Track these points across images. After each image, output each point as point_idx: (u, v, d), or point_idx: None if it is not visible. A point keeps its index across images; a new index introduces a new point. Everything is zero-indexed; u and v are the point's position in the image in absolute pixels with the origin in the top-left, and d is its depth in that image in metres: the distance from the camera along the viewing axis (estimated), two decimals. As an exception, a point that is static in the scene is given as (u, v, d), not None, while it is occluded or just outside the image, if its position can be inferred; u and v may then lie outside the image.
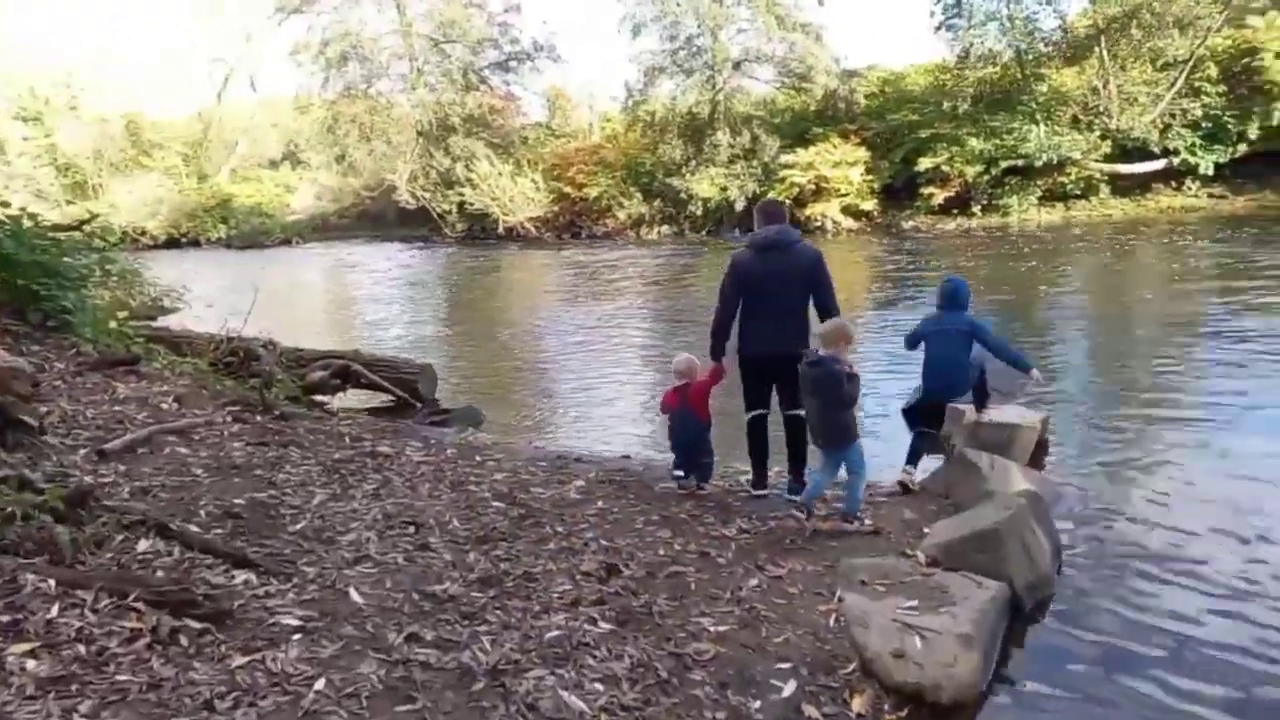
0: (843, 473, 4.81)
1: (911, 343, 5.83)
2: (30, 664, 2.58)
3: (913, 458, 5.41)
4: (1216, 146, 23.61)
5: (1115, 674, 3.46)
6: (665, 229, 30.67)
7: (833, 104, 29.24)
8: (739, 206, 28.44)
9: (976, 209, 25.39)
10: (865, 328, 11.34)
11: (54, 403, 5.65)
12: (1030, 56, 26.58)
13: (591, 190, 31.64)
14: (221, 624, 2.98)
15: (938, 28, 27.98)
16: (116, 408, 5.93)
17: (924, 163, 25.43)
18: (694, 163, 30.10)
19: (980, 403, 5.92)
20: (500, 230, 32.95)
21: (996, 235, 22.42)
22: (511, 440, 7.15)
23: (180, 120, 46.64)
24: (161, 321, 10.37)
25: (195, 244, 38.55)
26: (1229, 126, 23.44)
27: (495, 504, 4.91)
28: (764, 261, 4.93)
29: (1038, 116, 25.09)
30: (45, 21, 69.79)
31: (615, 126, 36.79)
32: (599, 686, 2.96)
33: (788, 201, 26.44)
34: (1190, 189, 24.07)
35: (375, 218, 39.42)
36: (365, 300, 20.11)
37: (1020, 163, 24.63)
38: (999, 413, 5.92)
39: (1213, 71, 23.93)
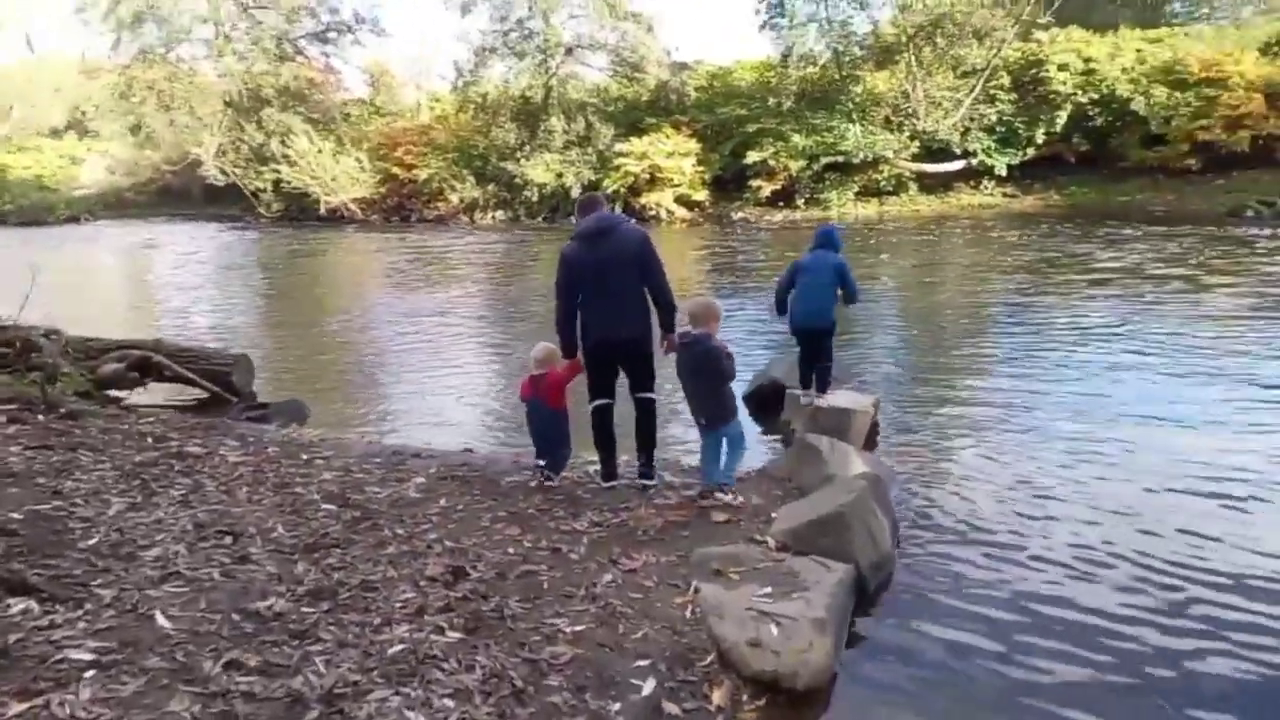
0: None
1: (785, 288, 6.37)
2: None
3: (806, 383, 6.38)
4: (1009, 149, 25.95)
5: (956, 647, 3.61)
6: (500, 214, 30.10)
7: (664, 95, 29.69)
8: (575, 193, 28.31)
9: (800, 202, 26.62)
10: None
11: None
12: (846, 59, 28.09)
13: (421, 172, 30.55)
14: (-8, 666, 2.52)
15: (762, 26, 29.15)
16: None
17: (752, 156, 26.35)
18: (528, 147, 29.71)
19: (824, 388, 6.17)
20: (322, 211, 31.20)
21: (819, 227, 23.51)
22: (341, 436, 6.65)
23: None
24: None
25: (-40, 220, 34.00)
26: (1020, 131, 25.82)
27: (326, 507, 4.53)
28: (592, 250, 4.82)
29: (854, 116, 26.60)
30: None
31: (445, 107, 35.70)
32: (449, 703, 2.74)
33: (623, 190, 26.85)
34: (987, 188, 26.33)
35: (179, 194, 36.32)
36: (170, 285, 18.35)
37: (839, 159, 26.00)
38: (835, 398, 6.13)
39: (1005, 80, 26.26)
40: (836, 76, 27.86)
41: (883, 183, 26.65)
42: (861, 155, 25.70)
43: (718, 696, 3.10)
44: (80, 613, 2.97)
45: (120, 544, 3.64)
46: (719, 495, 4.75)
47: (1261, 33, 26.27)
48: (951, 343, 9.88)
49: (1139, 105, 24.47)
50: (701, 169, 27.44)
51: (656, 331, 4.96)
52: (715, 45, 67.25)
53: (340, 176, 31.04)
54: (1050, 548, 4.45)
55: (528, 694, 2.88)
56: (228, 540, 3.85)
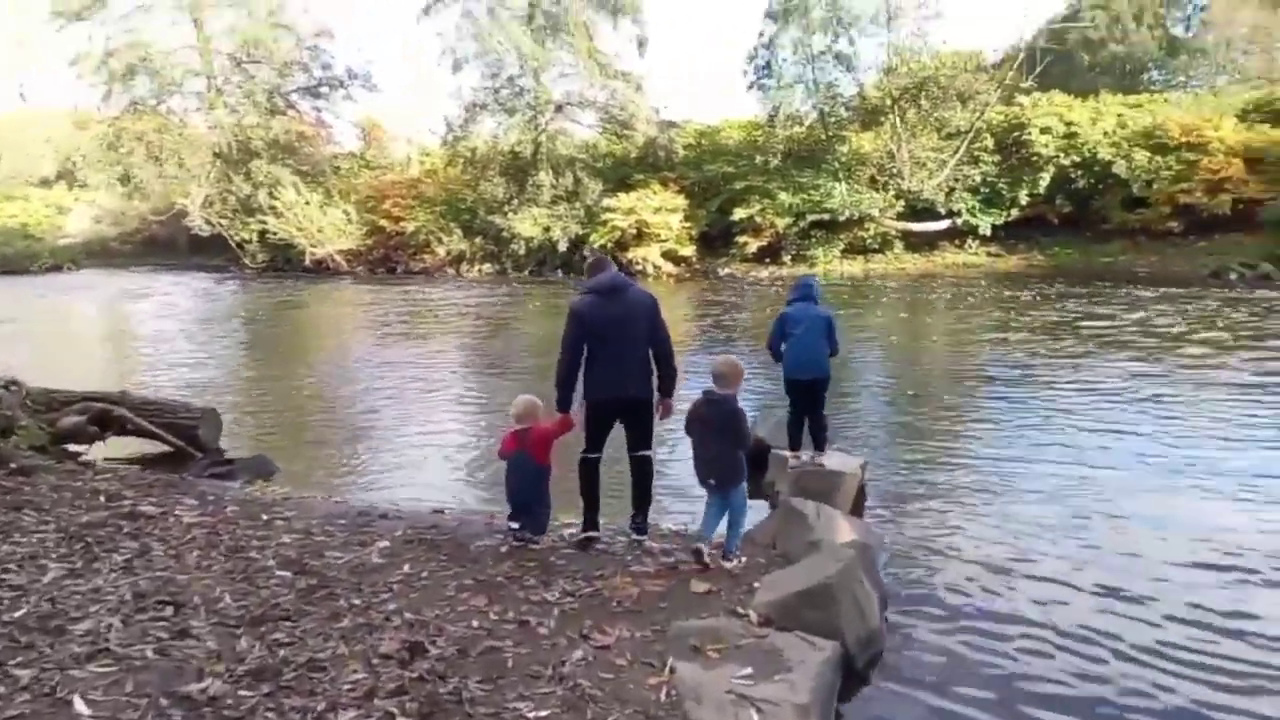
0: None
1: (777, 339, 6.14)
2: None
3: (796, 444, 6.14)
4: (993, 209, 26.26)
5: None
6: (486, 267, 30.08)
7: (652, 152, 30.00)
8: (562, 247, 28.44)
9: (787, 258, 26.75)
10: (693, 369, 11.36)
11: None
12: (832, 119, 28.55)
13: (409, 225, 30.59)
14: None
15: (750, 86, 29.63)
16: None
17: (739, 213, 26.53)
18: (516, 201, 29.84)
19: (823, 444, 5.97)
20: (307, 262, 31.09)
21: (798, 279, 23.56)
22: (307, 494, 6.38)
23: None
24: None
25: (-57, 268, 33.68)
26: (1003, 192, 26.18)
27: (280, 573, 4.26)
28: (607, 305, 4.83)
29: (840, 175, 26.91)
30: None
31: (435, 161, 35.93)
32: (394, 803, 2.47)
33: (610, 244, 26.94)
34: (971, 247, 26.58)
35: (165, 245, 36.20)
36: (147, 337, 18.05)
37: (825, 217, 26.21)
38: (821, 458, 5.92)
39: (989, 142, 26.69)
40: (823, 136, 28.27)
41: (868, 240, 26.86)
42: (847, 213, 25.93)
43: (693, 793, 2.83)
44: (-10, 697, 2.69)
45: (50, 616, 3.37)
46: (724, 563, 4.63)
47: (1239, 100, 26.92)
48: (939, 404, 9.71)
49: (1120, 168, 24.88)
50: (689, 225, 27.59)
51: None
52: (703, 104, 68.60)
53: (327, 228, 31.03)
54: (1044, 623, 4.23)
55: (483, 792, 2.61)
56: (168, 611, 3.58)
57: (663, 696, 3.28)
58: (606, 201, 28.08)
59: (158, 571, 4.05)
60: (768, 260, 26.99)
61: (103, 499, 5.41)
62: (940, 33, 36.24)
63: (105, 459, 7.35)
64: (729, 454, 4.60)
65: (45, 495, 5.21)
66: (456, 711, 3.01)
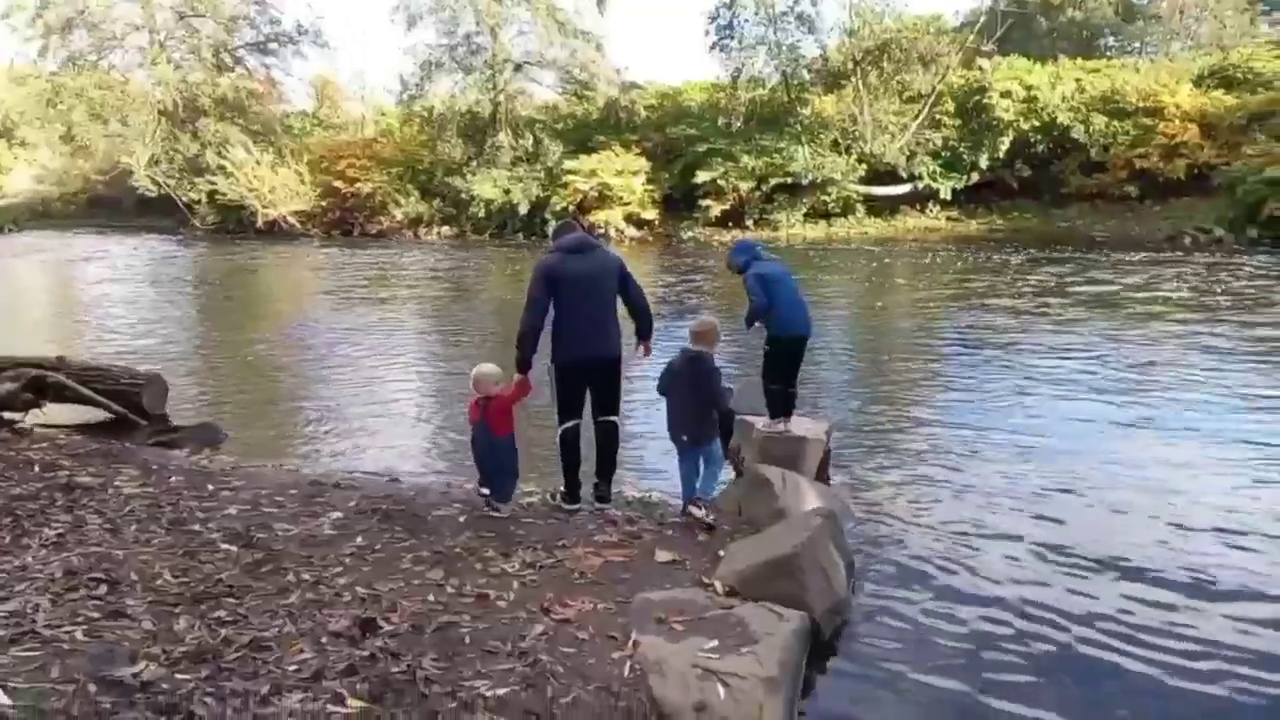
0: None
1: (764, 297, 5.61)
2: None
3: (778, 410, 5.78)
4: (953, 174, 26.34)
5: (916, 701, 3.31)
6: (446, 229, 29.53)
7: (614, 114, 29.55)
8: (522, 210, 27.97)
9: (750, 222, 26.64)
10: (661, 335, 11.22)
11: None
12: (795, 82, 28.28)
13: (365, 186, 29.82)
14: None
15: (712, 47, 29.21)
16: None
17: (701, 176, 26.28)
18: (475, 163, 29.26)
19: (788, 410, 5.80)
20: (259, 224, 30.21)
21: (768, 249, 23.50)
22: (257, 464, 6.14)
23: None
24: None
25: None
26: (964, 156, 26.25)
27: (225, 547, 4.06)
28: (575, 263, 4.76)
29: (802, 138, 26.73)
30: None
31: (391, 121, 35.04)
32: (342, 792, 2.33)
33: (572, 207, 26.55)
34: (932, 211, 26.67)
35: (110, 205, 34.97)
36: (93, 300, 17.40)
37: (788, 181, 26.07)
38: (788, 424, 5.82)
39: (950, 106, 26.68)
40: (785, 99, 28.02)
41: (831, 205, 26.82)
42: (810, 177, 25.81)
43: (658, 771, 2.73)
44: (-102, 688, 2.49)
45: (-31, 597, 3.14)
46: (693, 510, 4.64)
47: (1195, 65, 27.18)
48: (903, 369, 9.71)
49: (1079, 133, 25.07)
50: (651, 188, 27.29)
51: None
52: (665, 66, 67.69)
53: (279, 189, 30.14)
54: (1009, 593, 4.19)
55: (437, 777, 2.48)
56: (102, 590, 3.38)
57: (626, 671, 3.16)
58: (568, 164, 27.64)
59: (92, 547, 3.83)
60: (731, 224, 26.83)
61: (36, 469, 5.15)
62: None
63: (42, 425, 7.04)
64: (705, 411, 4.63)
65: (-27, 467, 4.93)
66: (410, 692, 2.87)
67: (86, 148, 34.95)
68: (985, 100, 25.96)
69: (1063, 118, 25.35)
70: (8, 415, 6.86)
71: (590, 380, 4.86)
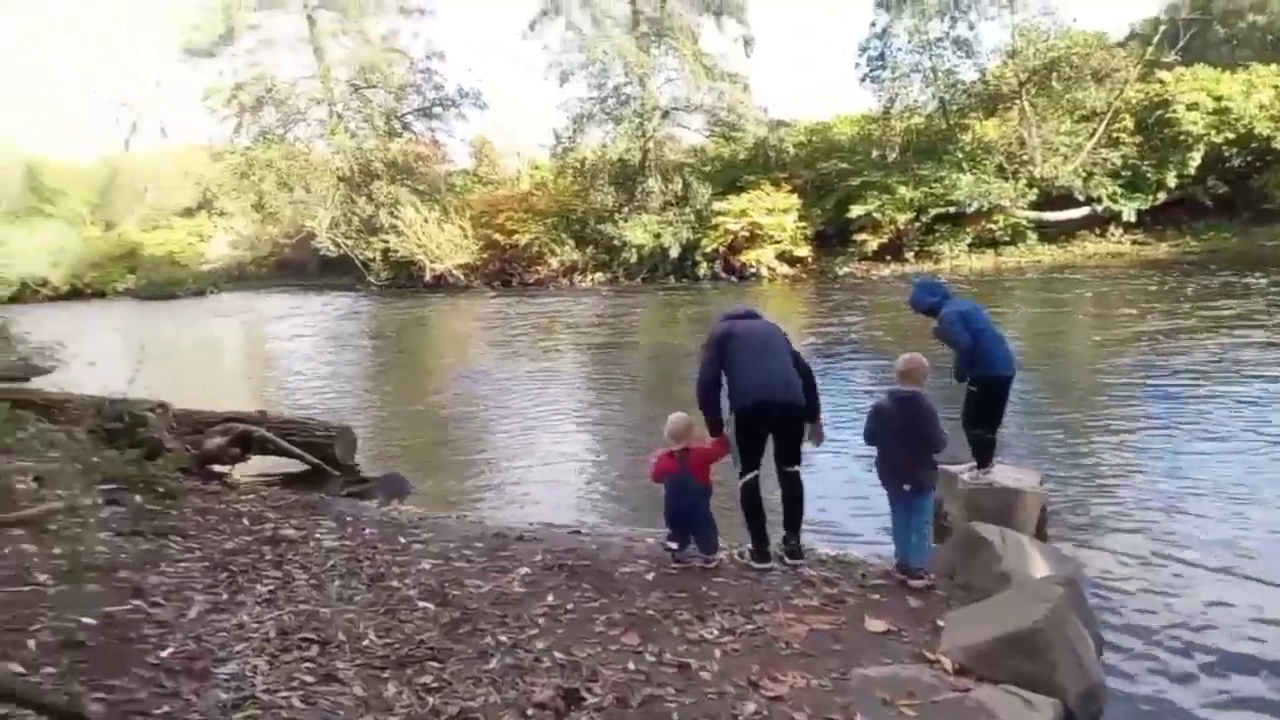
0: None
1: (966, 336, 5.15)
2: None
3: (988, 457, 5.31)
4: (1137, 194, 24.37)
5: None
6: (599, 276, 30.12)
7: (762, 152, 29.38)
8: (673, 253, 28.16)
9: (910, 255, 25.62)
10: (826, 378, 10.82)
11: None
12: (954, 107, 27.20)
13: (522, 237, 30.94)
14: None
15: (862, 79, 28.60)
16: (-47, 494, 4.85)
17: (856, 210, 25.58)
18: (626, 209, 29.78)
19: (986, 458, 5.30)
20: (427, 278, 31.91)
21: (925, 279, 22.47)
22: (442, 515, 6.24)
23: (85, 166, 44.38)
24: (36, 383, 9.09)
25: (100, 295, 36.33)
26: (1148, 175, 24.26)
27: (422, 605, 4.05)
28: (744, 324, 4.85)
29: (964, 165, 25.54)
30: (-60, 64, 66.36)
31: (544, 174, 36.37)
32: None
33: (722, 248, 26.52)
34: (1114, 235, 24.75)
35: (296, 266, 37.97)
36: (282, 355, 18.82)
37: (950, 210, 24.95)
38: (989, 472, 5.29)
39: (1129, 123, 24.79)
40: (943, 126, 26.99)
41: (998, 233, 25.39)
42: (975, 205, 24.57)
43: None
44: (136, 754, 2.52)
45: (195, 656, 3.22)
46: (912, 582, 4.27)
47: None
48: (1101, 407, 8.81)
49: (1281, 143, 22.65)
50: (804, 224, 26.81)
51: None
52: (811, 101, 66.94)
53: (444, 244, 31.78)
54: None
55: None
56: (313, 651, 3.39)
57: (856, 762, 2.84)
58: (717, 205, 27.64)
59: (300, 604, 3.89)
60: (889, 258, 25.90)
61: (245, 522, 5.38)
62: (1069, 10, 34.05)
63: (245, 477, 7.48)
64: (925, 455, 4.30)
65: (190, 520, 5.22)
66: (625, 777, 2.67)
67: (275, 214, 38.24)
68: (1169, 114, 23.94)
69: (1261, 128, 23.01)
70: (218, 469, 7.31)
71: (772, 428, 4.65)
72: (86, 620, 3.37)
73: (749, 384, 4.54)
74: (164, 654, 3.20)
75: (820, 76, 65.44)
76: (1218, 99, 23.70)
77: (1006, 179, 25.47)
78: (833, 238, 27.32)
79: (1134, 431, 7.72)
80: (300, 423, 8.11)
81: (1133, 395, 9.16)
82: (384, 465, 8.27)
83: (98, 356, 10.78)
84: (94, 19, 41.49)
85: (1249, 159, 23.59)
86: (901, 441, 4.30)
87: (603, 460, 8.56)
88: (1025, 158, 25.73)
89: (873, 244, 25.87)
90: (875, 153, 26.98)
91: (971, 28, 27.09)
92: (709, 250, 27.39)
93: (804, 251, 26.84)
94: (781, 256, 26.71)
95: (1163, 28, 26.22)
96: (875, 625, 3.85)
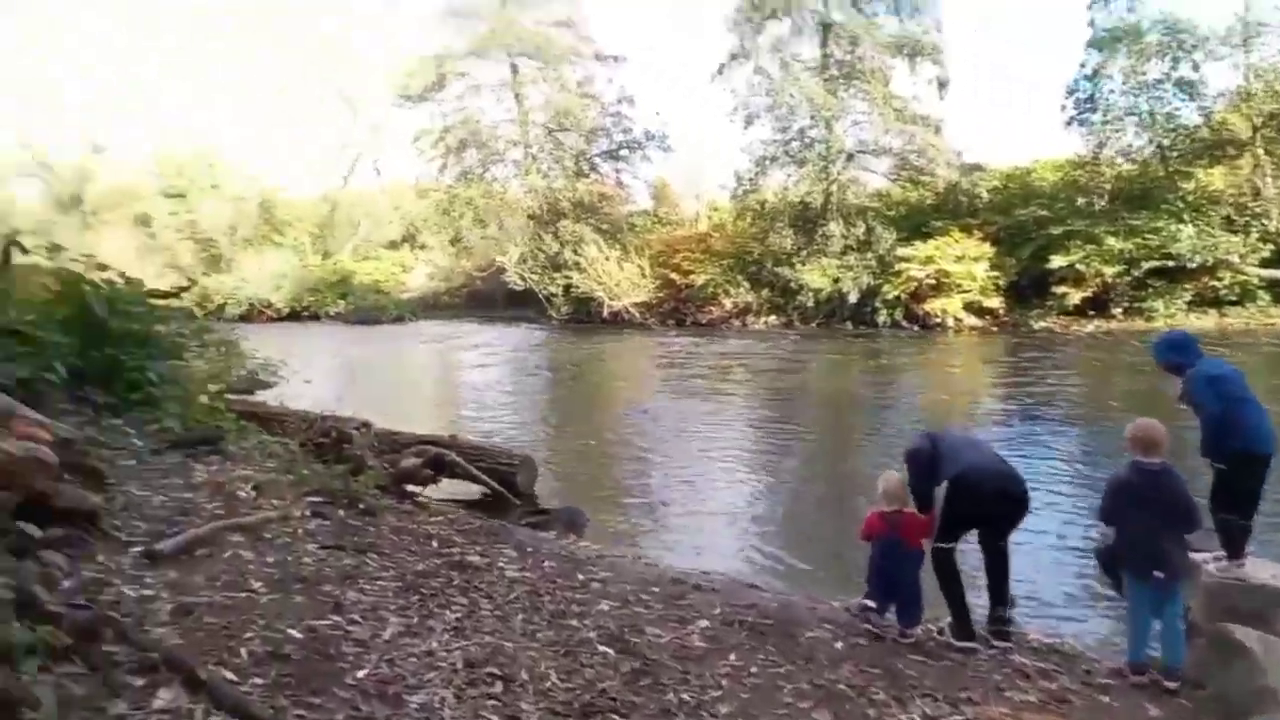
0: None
1: (1217, 404, 4.38)
2: None
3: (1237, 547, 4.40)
4: (1400, 254, 21.34)
5: None
6: (772, 319, 29.78)
7: (953, 197, 28.18)
8: (852, 298, 27.43)
9: (1117, 311, 23.64)
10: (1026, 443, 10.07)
11: (121, 487, 5.05)
12: (1173, 153, 25.00)
13: (698, 277, 31.17)
14: None
15: (1069, 122, 26.90)
16: (187, 495, 5.29)
17: (1057, 260, 23.90)
18: (805, 252, 29.36)
19: (1238, 548, 4.54)
20: (605, 314, 32.74)
21: (1144, 341, 20.55)
22: (618, 554, 6.22)
23: (310, 200, 49.13)
24: (259, 396, 9.98)
25: (315, 318, 39.89)
26: None
27: (602, 649, 3.95)
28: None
29: (1185, 216, 23.33)
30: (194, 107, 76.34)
31: (723, 215, 36.61)
32: None
33: (904, 296, 25.51)
34: (1369, 299, 21.75)
35: (484, 298, 40.08)
36: (468, 382, 19.81)
37: (1167, 264, 22.82)
38: (1247, 568, 4.58)
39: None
40: (1161, 173, 24.81)
41: (1223, 291, 22.92)
42: (1198, 259, 22.31)
43: None
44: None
45: (389, 681, 3.27)
46: (1169, 684, 3.80)
47: None
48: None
49: None
50: (995, 274, 25.33)
51: None
52: (1008, 145, 63.64)
53: (623, 282, 32.57)
54: None
55: None
56: (498, 688, 3.36)
57: None
58: (901, 250, 26.71)
59: (486, 636, 3.90)
60: (1092, 312, 23.96)
61: (434, 545, 5.53)
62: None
63: (434, 499, 7.80)
64: (1179, 538, 3.86)
65: (386, 538, 5.42)
66: None
67: (469, 249, 40.76)
68: None
69: None
70: (411, 488, 7.65)
71: (996, 509, 4.33)
72: (292, 632, 3.50)
73: (974, 461, 4.37)
74: (360, 675, 3.26)
75: (1019, 119, 62.30)
76: None
77: (1235, 232, 23.00)
78: (1027, 289, 25.64)
79: None
80: (487, 449, 8.40)
81: None
82: (554, 496, 8.41)
83: (311, 375, 11.72)
84: (329, 67, 46.20)
85: None
86: (1152, 521, 3.81)
87: (774, 512, 8.37)
88: (1258, 210, 23.16)
89: (1074, 297, 24.02)
90: (1081, 200, 25.14)
91: (1196, 68, 24.89)
92: (890, 297, 26.44)
93: (995, 303, 25.34)
94: (969, 307, 25.35)
95: None
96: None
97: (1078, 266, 23.60)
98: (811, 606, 4.94)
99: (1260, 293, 22.87)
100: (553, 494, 8.58)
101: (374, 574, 4.59)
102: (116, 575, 3.83)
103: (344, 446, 7.69)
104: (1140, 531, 3.87)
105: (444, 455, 7.66)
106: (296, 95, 51.68)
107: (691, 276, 31.55)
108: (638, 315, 32.51)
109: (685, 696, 3.53)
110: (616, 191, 38.20)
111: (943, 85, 29.19)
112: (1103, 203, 24.77)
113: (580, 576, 5.22)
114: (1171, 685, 3.75)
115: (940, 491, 4.45)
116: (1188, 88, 25.22)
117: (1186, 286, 23.17)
